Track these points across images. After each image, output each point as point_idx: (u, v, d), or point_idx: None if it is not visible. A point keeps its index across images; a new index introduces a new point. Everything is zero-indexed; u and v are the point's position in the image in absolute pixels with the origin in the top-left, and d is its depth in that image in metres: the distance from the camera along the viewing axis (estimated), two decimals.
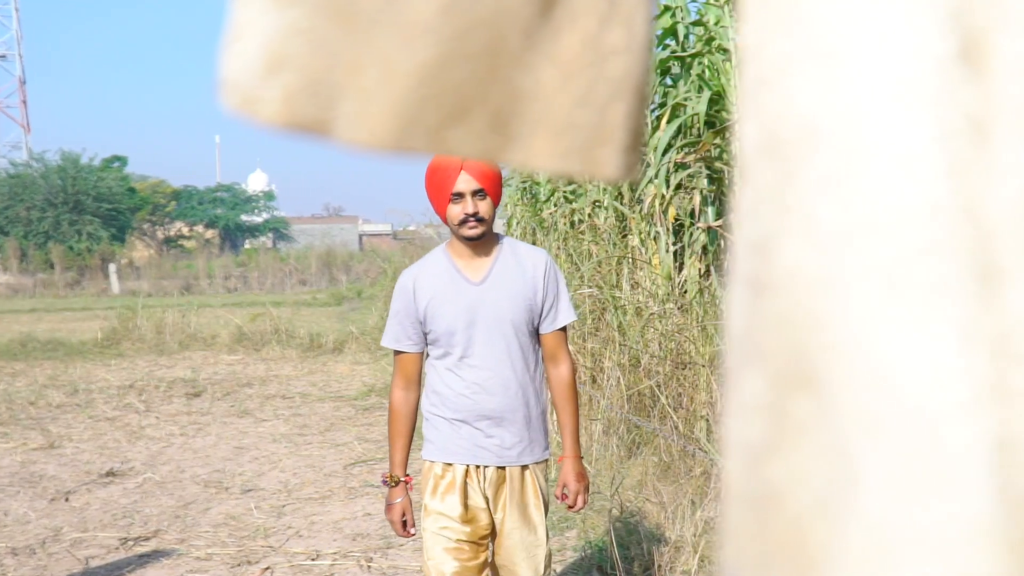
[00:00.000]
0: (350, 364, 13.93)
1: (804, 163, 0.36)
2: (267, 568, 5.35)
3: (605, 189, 9.53)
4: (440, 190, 3.22)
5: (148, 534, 5.99)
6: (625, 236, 8.96)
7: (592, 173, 0.43)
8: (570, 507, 3.50)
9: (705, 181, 7.28)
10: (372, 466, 7.67)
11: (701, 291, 6.86)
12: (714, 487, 5.12)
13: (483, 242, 3.30)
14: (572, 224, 10.48)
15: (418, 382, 3.43)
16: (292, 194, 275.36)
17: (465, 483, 3.33)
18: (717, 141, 6.64)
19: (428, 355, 3.43)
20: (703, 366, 6.00)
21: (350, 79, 0.38)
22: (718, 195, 7.21)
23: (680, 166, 7.16)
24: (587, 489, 3.50)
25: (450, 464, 3.35)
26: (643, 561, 4.74)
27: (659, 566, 4.61)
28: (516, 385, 3.32)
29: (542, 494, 3.42)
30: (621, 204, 9.10)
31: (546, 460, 3.47)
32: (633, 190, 9.01)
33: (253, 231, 67.65)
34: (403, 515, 3.43)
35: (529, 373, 3.37)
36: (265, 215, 69.14)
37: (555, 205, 11.24)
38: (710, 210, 7.38)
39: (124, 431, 9.33)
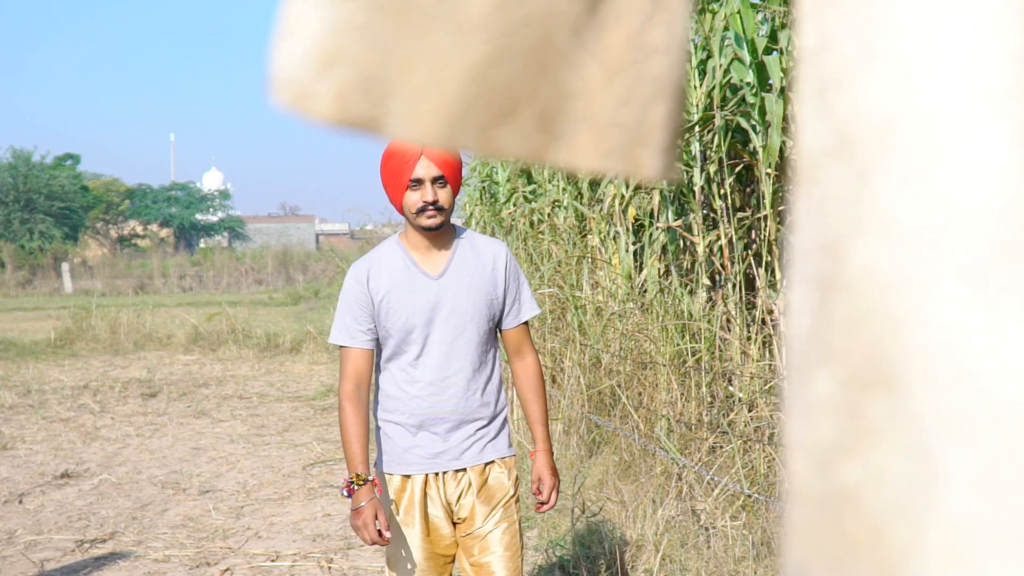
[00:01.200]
0: (308, 364, 13.85)
1: (880, 164, 0.36)
2: (226, 570, 5.30)
3: (564, 189, 9.55)
4: (397, 176, 3.03)
5: (104, 536, 5.93)
6: (585, 236, 8.98)
7: (632, 173, 0.43)
8: (542, 504, 3.28)
9: (665, 181, 7.29)
10: (331, 466, 7.63)
11: (662, 291, 6.89)
12: (675, 486, 5.15)
13: (441, 233, 3.11)
14: (532, 224, 10.48)
15: (368, 382, 3.15)
16: (248, 193, 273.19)
17: (425, 495, 3.13)
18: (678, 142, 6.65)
19: (378, 355, 3.21)
20: (664, 365, 6.02)
21: (402, 76, 0.38)
22: (677, 195, 7.23)
23: None
24: (558, 487, 3.30)
25: (408, 476, 3.13)
26: (605, 560, 4.75)
27: (621, 565, 4.63)
28: (476, 385, 3.15)
29: (513, 489, 3.23)
30: (581, 204, 9.12)
31: (512, 456, 3.27)
32: (593, 190, 9.03)
33: (208, 230, 67.16)
34: (375, 518, 2.99)
35: (488, 372, 3.20)
36: (220, 214, 68.68)
37: (514, 205, 11.24)
38: (669, 210, 7.40)
39: (79, 432, 9.21)
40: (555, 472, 3.29)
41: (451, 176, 3.05)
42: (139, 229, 64.11)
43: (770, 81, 5.60)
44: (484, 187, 12.90)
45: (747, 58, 5.74)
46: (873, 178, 0.36)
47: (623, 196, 7.97)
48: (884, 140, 0.36)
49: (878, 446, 0.36)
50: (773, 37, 5.99)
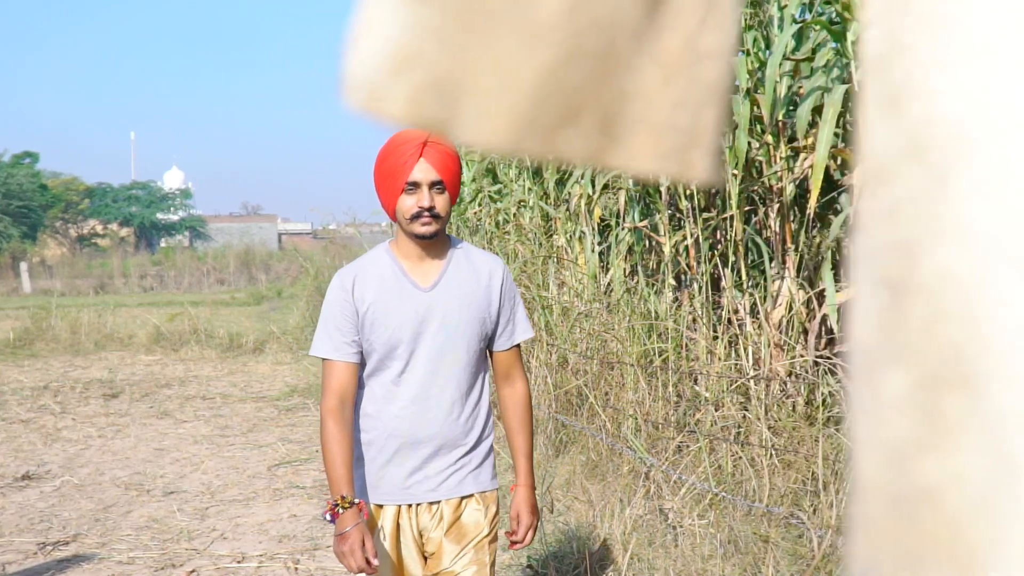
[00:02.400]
0: (271, 364, 13.78)
1: (956, 168, 0.36)
2: (192, 571, 5.26)
3: (530, 189, 9.56)
4: (392, 178, 2.80)
5: (67, 538, 5.86)
6: (551, 236, 9.00)
7: (684, 175, 0.43)
8: (514, 543, 3.05)
9: (630, 181, 7.33)
10: (296, 467, 7.59)
11: (628, 291, 6.91)
12: (643, 485, 5.16)
13: (435, 243, 2.89)
14: (497, 224, 10.48)
15: (353, 398, 2.91)
16: (209, 192, 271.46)
17: (397, 526, 2.92)
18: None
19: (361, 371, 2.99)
20: (631, 365, 6.04)
21: (473, 79, 0.38)
22: (643, 195, 7.26)
23: None
24: (536, 526, 3.07)
25: (381, 505, 2.92)
26: (573, 559, 4.76)
27: (589, 564, 4.64)
28: (461, 408, 2.92)
29: (490, 529, 2.99)
30: (546, 204, 9.13)
31: (494, 490, 3.04)
32: (559, 190, 9.05)
33: (169, 229, 66.63)
34: (362, 543, 2.76)
35: (476, 395, 2.98)
36: (182, 213, 68.16)
37: (479, 205, 11.23)
38: (635, 210, 7.43)
39: (39, 433, 9.11)
40: (535, 510, 3.05)
41: (450, 182, 2.84)
42: (99, 228, 63.48)
43: (736, 82, 5.62)
44: None
45: None
46: (949, 181, 0.36)
47: (589, 196, 8.00)
48: (960, 144, 0.36)
49: (957, 444, 0.36)
50: (738, 39, 6.03)
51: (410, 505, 2.92)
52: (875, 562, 0.38)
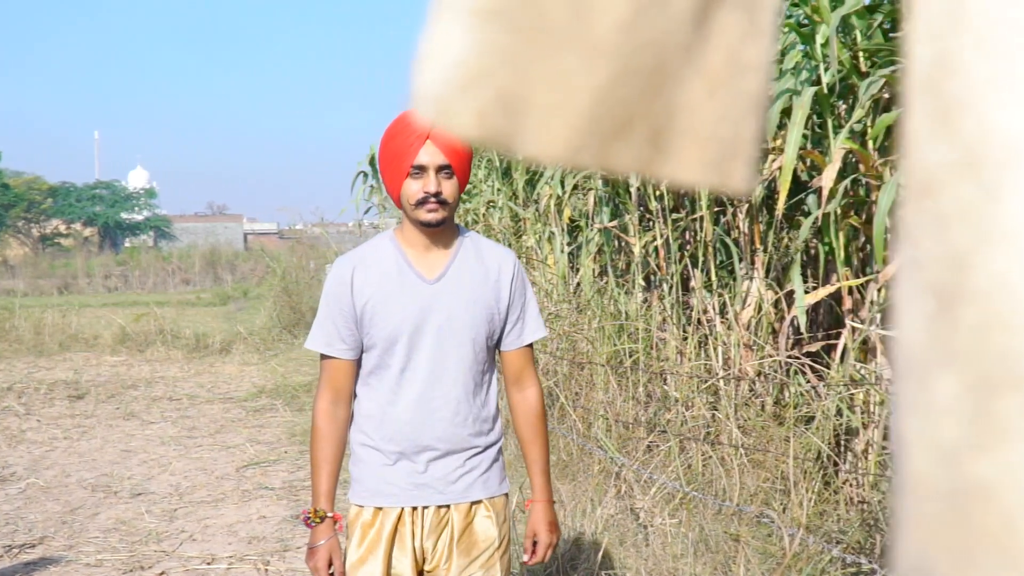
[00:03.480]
0: (238, 365, 13.70)
1: (1010, 181, 0.37)
2: (161, 573, 5.23)
3: (499, 189, 9.57)
4: (397, 161, 2.60)
5: (34, 541, 5.81)
6: (520, 236, 9.01)
7: (725, 185, 0.44)
8: (529, 561, 2.84)
9: (600, 182, 7.35)
10: (265, 468, 7.56)
11: (599, 291, 6.93)
12: (613, 485, 5.18)
13: (442, 232, 2.69)
14: (466, 224, 10.49)
15: (349, 397, 2.77)
16: (174, 192, 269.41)
17: (394, 536, 2.70)
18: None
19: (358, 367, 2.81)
20: (601, 365, 6.06)
21: (535, 95, 0.40)
22: (613, 196, 7.29)
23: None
24: (556, 544, 2.85)
25: (381, 508, 2.72)
26: None
27: (561, 564, 4.65)
28: (468, 409, 2.72)
29: (500, 539, 2.77)
30: (516, 204, 9.15)
31: (505, 495, 2.84)
32: (528, 190, 9.06)
33: (134, 229, 66.14)
34: (330, 562, 2.68)
35: (482, 396, 2.77)
36: (146, 213, 67.68)
37: None
38: (605, 211, 7.46)
39: (3, 435, 9.02)
40: (554, 527, 2.82)
41: (459, 166, 2.64)
42: (62, 228, 62.93)
43: None
44: None
45: None
46: (1002, 193, 0.38)
47: (559, 197, 8.02)
48: (1014, 158, 0.37)
49: (1010, 443, 0.38)
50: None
51: (415, 508, 2.72)
52: (926, 557, 0.40)
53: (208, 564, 5.37)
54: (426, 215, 2.60)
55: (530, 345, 2.86)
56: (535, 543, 2.81)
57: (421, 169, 2.58)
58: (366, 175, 15.44)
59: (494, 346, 2.81)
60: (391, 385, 2.70)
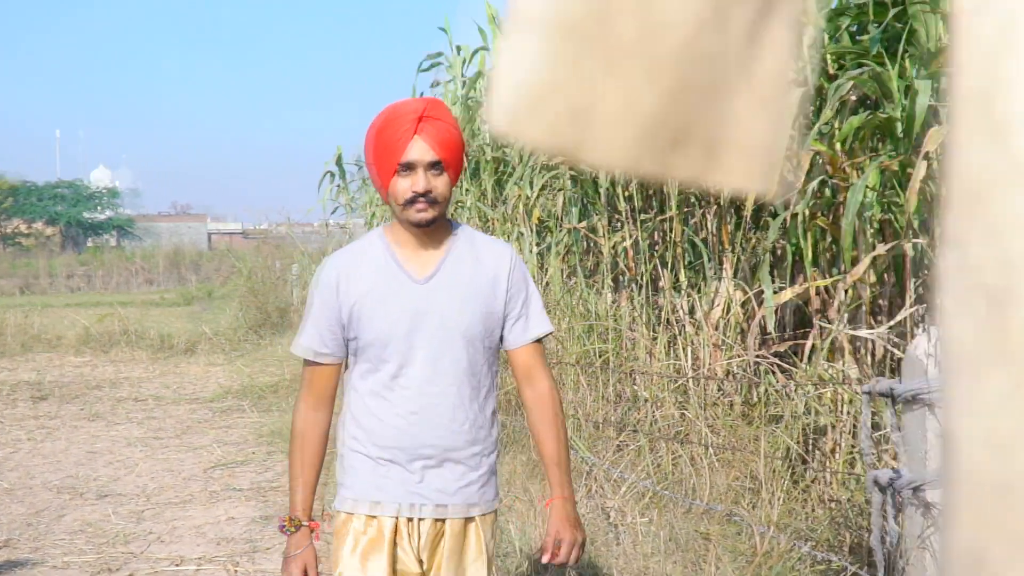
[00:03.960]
0: (204, 365, 13.61)
1: None
2: (130, 575, 5.19)
3: (467, 190, 9.58)
4: (386, 156, 2.46)
5: None
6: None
7: (764, 192, 0.46)
8: (558, 563, 2.64)
9: (569, 183, 7.38)
10: (232, 469, 7.52)
11: (569, 292, 6.96)
12: (584, 484, 5.20)
13: (434, 230, 2.55)
14: None
15: (331, 401, 2.66)
16: (139, 191, 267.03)
17: (395, 541, 2.58)
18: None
19: (348, 370, 2.70)
20: (571, 365, 6.08)
21: (602, 107, 0.41)
22: (582, 197, 7.32)
23: (548, 168, 7.25)
24: (583, 544, 2.66)
25: (374, 516, 2.58)
26: (515, 559, 4.78)
27: (531, 563, 4.66)
28: (464, 414, 2.58)
29: (486, 553, 2.66)
30: (484, 205, 9.16)
31: (495, 511, 2.72)
32: (496, 191, 9.08)
33: (96, 229, 65.52)
34: (305, 572, 2.59)
35: (480, 400, 2.63)
36: (109, 212, 67.08)
37: None
38: (574, 211, 7.48)
39: None
40: (578, 525, 2.65)
41: (451, 161, 2.50)
42: (23, 227, 62.24)
43: None
44: None
45: None
46: None
47: (527, 198, 8.03)
48: None
49: None
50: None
51: (410, 519, 2.59)
52: (979, 547, 0.41)
53: (177, 566, 5.34)
54: (416, 215, 2.47)
55: (539, 341, 2.70)
56: (558, 543, 2.61)
57: (409, 167, 2.44)
58: (333, 175, 15.38)
59: (495, 346, 2.67)
60: (384, 389, 2.57)
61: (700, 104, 0.42)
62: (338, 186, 15.38)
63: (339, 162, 15.07)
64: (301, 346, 2.63)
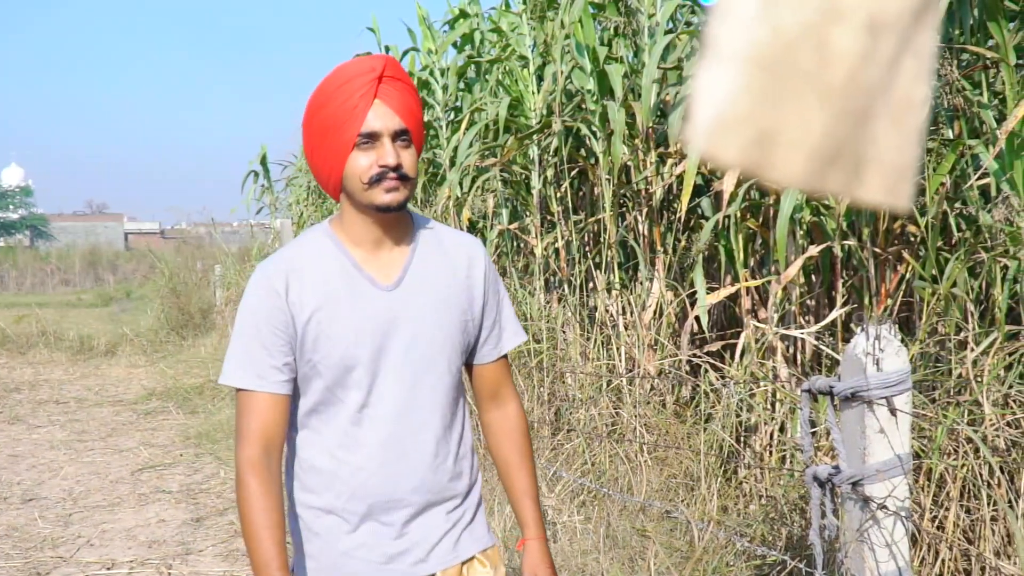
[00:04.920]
0: (125, 367, 13.40)
1: None
2: None
3: None
4: (336, 130, 2.00)
5: None
6: None
7: (895, 205, 0.50)
8: None
9: (500, 184, 7.42)
10: (161, 472, 7.43)
11: None
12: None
13: (396, 222, 2.10)
14: None
15: (282, 447, 2.07)
16: (52, 190, 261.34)
17: None
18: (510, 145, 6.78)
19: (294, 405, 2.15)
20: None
21: (782, 131, 0.45)
22: (513, 198, 7.36)
23: (480, 170, 7.28)
24: None
25: None
26: None
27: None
28: (447, 448, 2.15)
29: None
30: (413, 205, 9.16)
31: (494, 546, 2.30)
32: (426, 191, 9.08)
33: (9, 228, 63.99)
34: None
35: (459, 429, 2.20)
36: (22, 211, 65.56)
37: None
38: (504, 212, 7.52)
39: None
40: (553, 567, 2.29)
41: (416, 131, 2.06)
42: None
43: (612, 89, 5.76)
44: (312, 186, 12.78)
45: (588, 66, 5.91)
46: None
47: (457, 198, 8.06)
48: None
49: None
50: (609, 45, 6.18)
51: None
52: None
53: (108, 569, 5.27)
54: (384, 196, 1.99)
55: (505, 355, 2.31)
56: None
57: (371, 137, 1.98)
58: (257, 175, 15.25)
59: (465, 360, 2.25)
60: (346, 426, 2.07)
61: (854, 128, 0.47)
62: (263, 186, 15.27)
63: (263, 161, 14.96)
64: (239, 375, 2.04)
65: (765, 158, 0.46)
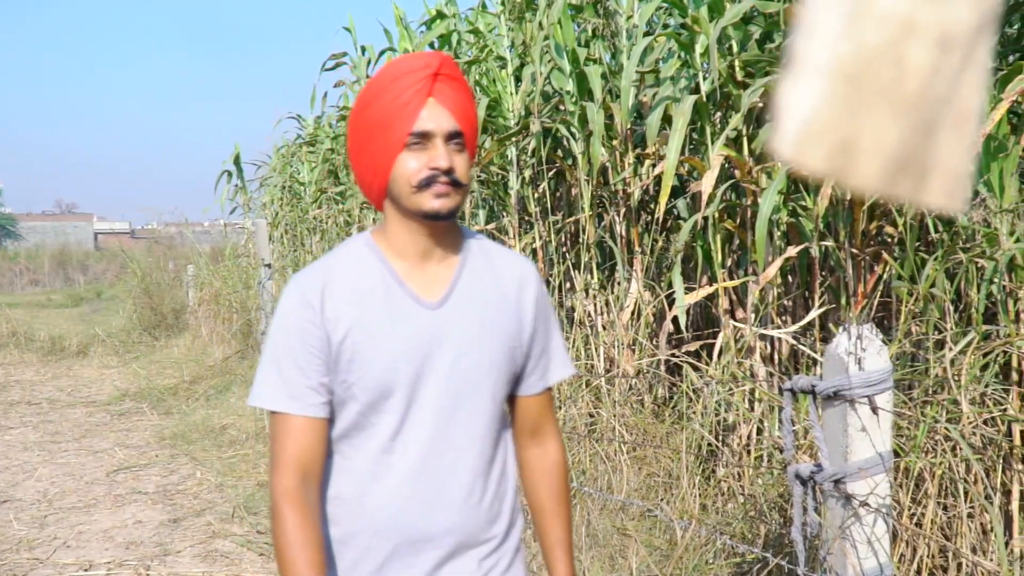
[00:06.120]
0: (97, 368, 13.31)
1: None
2: None
3: None
4: (385, 129, 1.85)
5: None
6: None
7: (952, 207, 0.53)
8: None
9: (477, 184, 7.44)
10: (136, 472, 7.39)
11: None
12: None
13: (446, 233, 1.94)
14: (338, 225, 10.44)
15: (320, 477, 1.88)
16: (20, 189, 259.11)
17: None
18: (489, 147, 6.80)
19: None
20: None
21: (862, 140, 0.49)
22: (491, 198, 7.38)
23: None
24: None
25: None
26: None
27: None
28: (484, 485, 1.95)
29: None
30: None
31: None
32: None
33: None
34: None
35: (500, 463, 2.01)
36: None
37: (319, 207, 11.15)
38: (481, 213, 7.54)
39: None
40: None
41: (470, 136, 1.90)
42: None
43: (591, 90, 5.79)
44: (287, 186, 12.74)
45: (567, 67, 5.93)
46: None
47: None
48: None
49: None
50: (587, 46, 6.21)
51: None
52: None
53: (86, 571, 5.24)
54: (433, 202, 1.82)
55: (550, 388, 2.12)
56: None
57: (423, 137, 1.83)
58: (230, 174, 15.19)
59: (511, 391, 2.06)
60: (377, 455, 1.89)
61: (922, 137, 0.50)
62: (236, 186, 15.20)
63: (237, 161, 14.90)
64: (270, 395, 1.88)
65: (846, 166, 0.49)
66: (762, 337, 4.86)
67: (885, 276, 4.32)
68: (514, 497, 2.04)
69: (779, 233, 4.91)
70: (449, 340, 1.88)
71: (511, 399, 2.07)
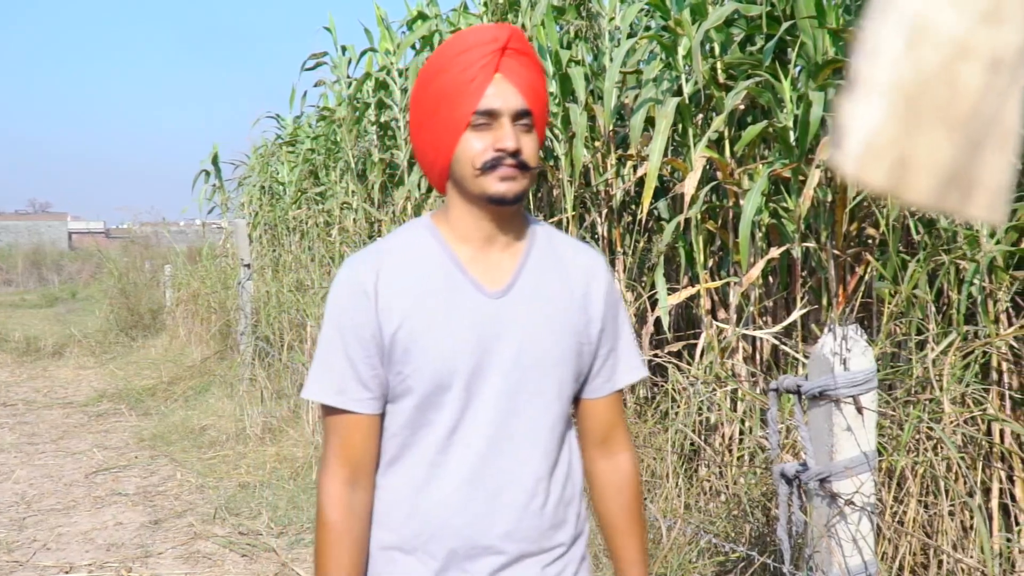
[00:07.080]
0: (74, 369, 13.21)
1: None
2: None
3: (353, 191, 9.55)
4: (449, 106, 1.72)
5: None
6: (375, 239, 9.02)
7: (993, 219, 0.55)
8: None
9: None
10: (116, 474, 7.35)
11: None
12: None
13: (512, 218, 1.80)
14: (318, 225, 10.42)
15: (372, 473, 1.79)
16: None
17: None
18: None
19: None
20: None
21: (917, 157, 0.52)
22: None
23: None
24: None
25: None
26: None
27: None
28: (547, 488, 1.79)
29: None
30: (371, 207, 9.15)
31: None
32: (383, 192, 9.08)
33: None
34: None
35: (565, 466, 1.84)
36: None
37: (298, 207, 11.13)
38: None
39: None
40: None
41: (540, 116, 1.77)
42: None
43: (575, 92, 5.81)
44: (266, 187, 12.71)
45: (550, 68, 5.95)
46: None
47: (416, 199, 8.07)
48: None
49: None
50: (569, 48, 6.23)
51: None
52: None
53: (67, 573, 5.22)
54: (498, 185, 1.70)
55: (620, 391, 1.95)
56: None
57: (489, 116, 1.70)
58: (208, 174, 15.14)
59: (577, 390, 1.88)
60: (432, 454, 1.75)
61: (972, 153, 0.52)
62: (214, 185, 15.15)
63: (215, 161, 14.86)
64: (320, 388, 1.77)
65: (903, 181, 0.52)
66: (744, 337, 4.89)
67: (866, 277, 4.36)
68: (580, 503, 1.88)
69: (761, 234, 4.94)
70: (511, 332, 1.74)
71: (576, 404, 1.91)
